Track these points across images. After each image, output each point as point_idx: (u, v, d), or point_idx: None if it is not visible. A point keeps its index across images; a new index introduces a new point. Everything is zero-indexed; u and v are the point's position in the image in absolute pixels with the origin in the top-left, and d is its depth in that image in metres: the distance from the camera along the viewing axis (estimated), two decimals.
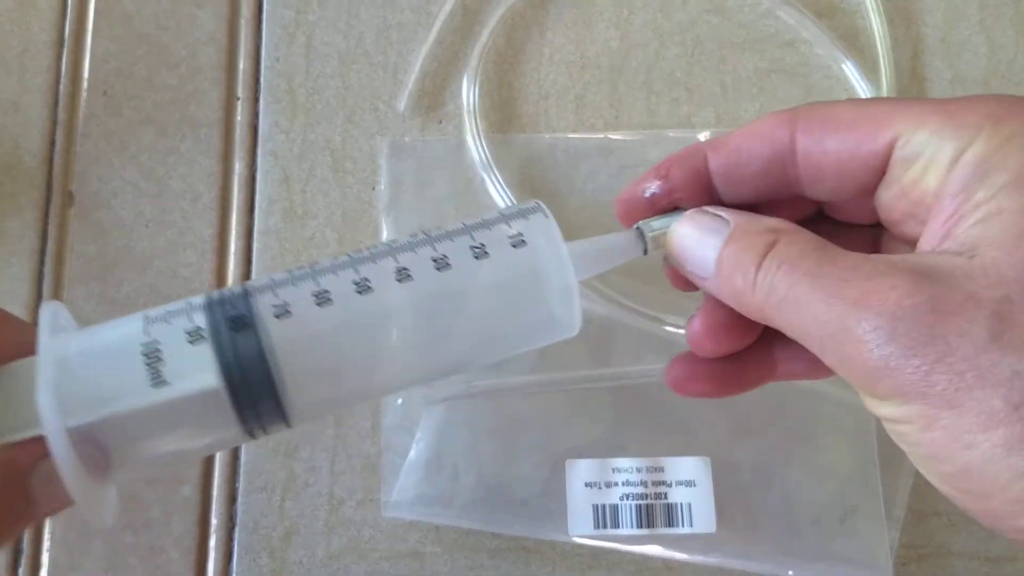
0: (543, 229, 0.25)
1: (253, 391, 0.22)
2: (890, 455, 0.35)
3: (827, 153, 0.23)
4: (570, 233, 0.25)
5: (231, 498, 0.37)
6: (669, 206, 0.26)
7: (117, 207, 0.39)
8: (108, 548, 0.36)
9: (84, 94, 0.40)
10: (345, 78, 0.40)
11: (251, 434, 0.23)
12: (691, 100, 0.40)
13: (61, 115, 0.40)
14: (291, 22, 0.40)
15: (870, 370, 0.19)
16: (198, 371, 0.22)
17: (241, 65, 0.40)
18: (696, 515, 0.34)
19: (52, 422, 0.21)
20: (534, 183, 0.38)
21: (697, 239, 0.24)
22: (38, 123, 0.40)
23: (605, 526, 0.35)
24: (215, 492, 0.37)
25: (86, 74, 0.40)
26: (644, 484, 0.35)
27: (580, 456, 0.35)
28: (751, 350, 0.26)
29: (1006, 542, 0.35)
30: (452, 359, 0.25)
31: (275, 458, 0.37)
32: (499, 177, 0.37)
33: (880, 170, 0.23)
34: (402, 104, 0.39)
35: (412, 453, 0.36)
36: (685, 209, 0.25)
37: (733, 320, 0.25)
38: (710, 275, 0.23)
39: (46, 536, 0.36)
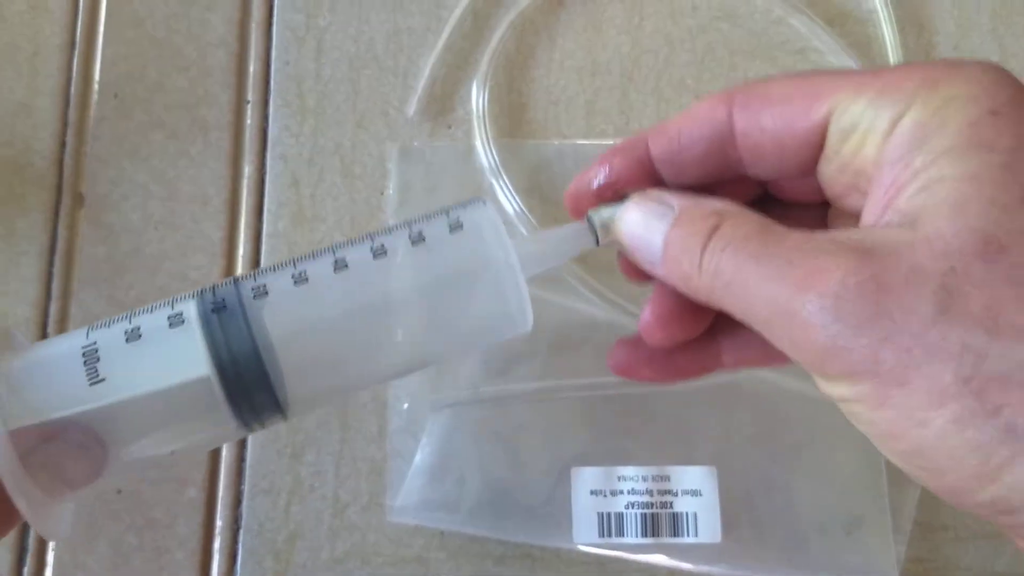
0: (487, 221, 0.25)
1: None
2: (897, 467, 0.35)
3: (764, 130, 0.23)
4: None
5: (236, 500, 0.37)
6: (615, 196, 0.25)
7: (127, 209, 0.39)
8: (112, 549, 0.36)
9: (95, 96, 0.40)
10: (355, 83, 0.40)
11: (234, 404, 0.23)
12: None
13: (72, 117, 0.40)
14: (301, 26, 0.41)
15: (819, 351, 0.19)
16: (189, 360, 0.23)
17: (251, 69, 0.40)
18: (701, 525, 0.34)
19: None
20: (543, 189, 0.38)
21: (644, 225, 0.24)
22: (49, 125, 0.40)
23: (610, 534, 0.35)
24: (220, 494, 0.37)
25: (97, 77, 0.40)
26: (650, 493, 0.35)
27: (586, 464, 0.35)
28: (691, 340, 0.26)
29: (1012, 557, 0.35)
30: (408, 353, 0.25)
31: (280, 461, 0.37)
32: (508, 183, 0.37)
33: (818, 145, 0.22)
34: (412, 109, 0.39)
35: (417, 458, 0.36)
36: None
37: (682, 308, 0.25)
38: (658, 261, 0.23)
39: None
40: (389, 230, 0.25)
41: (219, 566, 0.36)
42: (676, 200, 0.23)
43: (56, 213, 0.39)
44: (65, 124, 0.40)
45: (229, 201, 0.39)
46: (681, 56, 0.40)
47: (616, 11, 0.41)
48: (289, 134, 0.40)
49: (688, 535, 0.34)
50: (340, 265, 0.24)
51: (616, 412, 0.36)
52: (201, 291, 0.24)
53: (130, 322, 0.23)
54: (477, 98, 0.39)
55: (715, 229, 0.22)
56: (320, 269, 0.24)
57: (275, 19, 0.41)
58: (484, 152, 0.38)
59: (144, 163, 0.39)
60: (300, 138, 0.39)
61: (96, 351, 0.23)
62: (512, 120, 0.39)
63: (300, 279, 0.24)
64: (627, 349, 0.27)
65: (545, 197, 0.38)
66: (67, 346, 0.23)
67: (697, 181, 0.25)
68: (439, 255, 0.24)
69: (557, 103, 0.39)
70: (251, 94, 0.40)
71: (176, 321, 0.23)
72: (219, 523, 0.37)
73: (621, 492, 0.35)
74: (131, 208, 0.39)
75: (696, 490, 0.35)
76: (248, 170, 0.39)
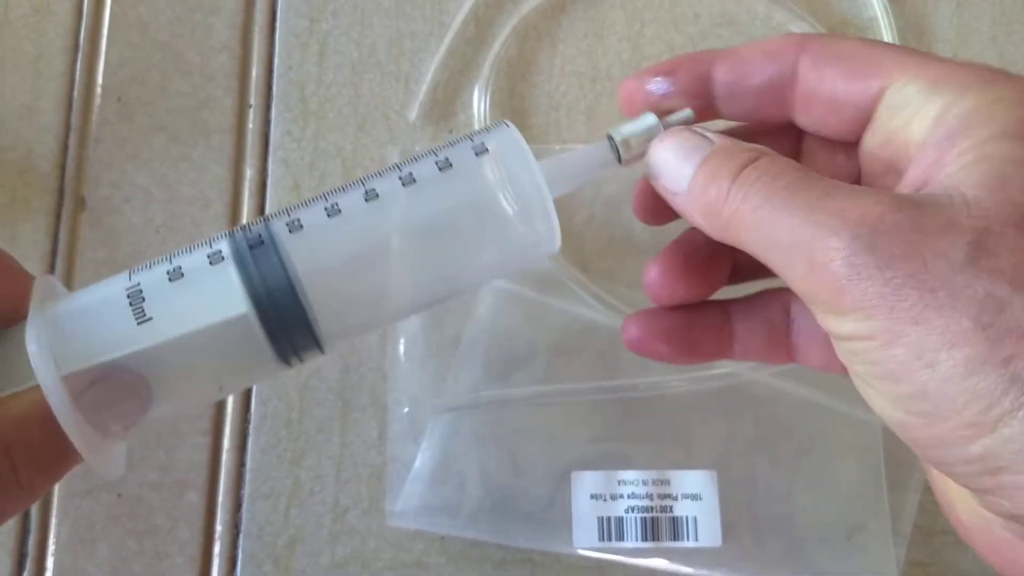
0: (512, 144, 0.24)
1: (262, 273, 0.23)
2: (897, 472, 0.35)
3: (823, 84, 0.23)
4: (579, 245, 0.25)
5: (236, 505, 0.37)
6: (667, 109, 0.25)
7: (128, 212, 0.39)
8: (113, 554, 0.36)
9: (98, 100, 0.40)
10: (357, 87, 0.40)
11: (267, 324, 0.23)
12: None
13: (74, 121, 0.40)
14: (304, 31, 0.41)
15: (839, 280, 0.19)
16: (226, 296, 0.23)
17: (254, 73, 0.41)
18: (702, 529, 0.34)
19: (46, 375, 0.21)
20: None
21: (678, 153, 0.23)
22: (52, 128, 0.40)
23: (610, 539, 0.35)
24: (220, 499, 0.37)
25: (100, 80, 0.40)
26: (650, 497, 0.35)
27: (586, 468, 0.35)
28: (708, 315, 0.26)
29: None
30: (440, 275, 0.25)
31: (280, 465, 0.37)
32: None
33: (868, 113, 0.23)
34: (413, 114, 0.39)
35: (418, 462, 0.36)
36: (658, 116, 0.25)
37: (691, 264, 0.25)
38: (684, 190, 0.23)
39: (51, 541, 0.36)
40: (416, 158, 0.25)
41: (219, 570, 0.36)
42: (716, 137, 0.23)
43: (58, 217, 0.39)
44: (67, 127, 0.40)
45: (231, 205, 0.39)
46: None
47: (617, 17, 0.41)
48: (291, 138, 0.40)
49: (688, 539, 0.34)
50: (371, 196, 0.24)
51: (616, 416, 0.36)
52: (235, 230, 0.24)
53: (171, 263, 0.24)
54: (479, 103, 0.39)
55: (751, 160, 0.22)
56: (351, 201, 0.24)
57: (278, 24, 0.41)
58: None
59: (146, 166, 0.39)
60: (302, 142, 0.40)
61: (141, 292, 0.23)
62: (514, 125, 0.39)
63: (333, 211, 0.24)
64: (642, 321, 0.27)
65: None
66: (112, 290, 0.23)
67: (746, 115, 0.25)
68: (466, 180, 0.24)
69: (558, 108, 0.40)
70: (253, 98, 0.40)
71: (216, 259, 0.23)
72: (219, 528, 0.36)
73: (621, 496, 0.35)
74: (133, 211, 0.39)
75: (696, 494, 0.35)
76: (250, 174, 0.40)
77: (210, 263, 0.23)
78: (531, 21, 0.40)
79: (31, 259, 0.38)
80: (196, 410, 0.36)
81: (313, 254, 0.23)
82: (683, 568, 0.34)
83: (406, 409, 0.36)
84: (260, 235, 0.23)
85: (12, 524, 0.36)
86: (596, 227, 0.38)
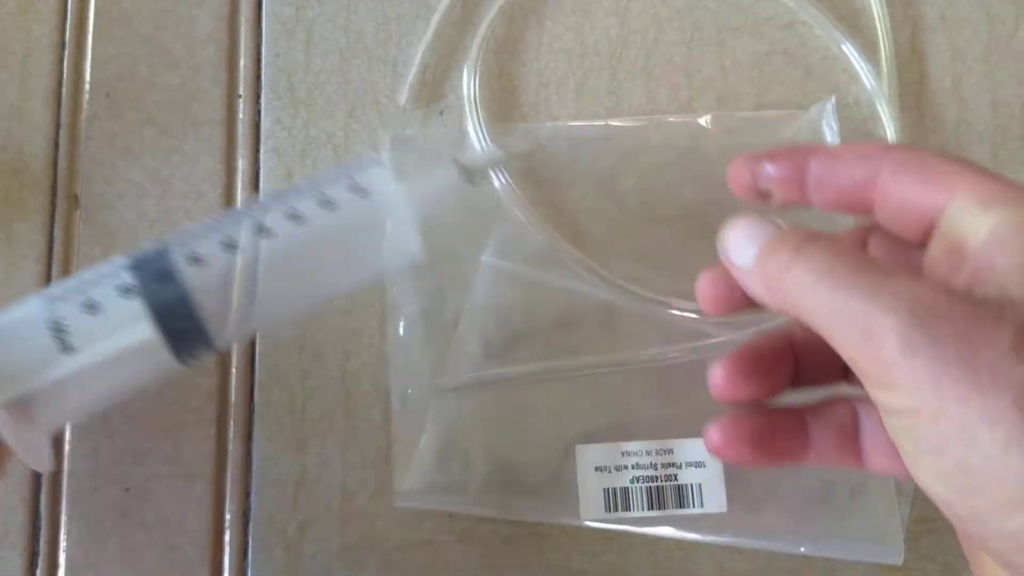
0: (383, 179, 0.29)
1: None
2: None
3: (900, 186, 0.25)
4: (573, 222, 0.25)
5: (244, 493, 0.37)
6: (765, 196, 0.28)
7: (122, 208, 0.39)
8: (124, 547, 0.36)
9: (86, 96, 0.40)
10: (346, 73, 0.40)
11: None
12: (691, 85, 0.40)
13: (64, 118, 0.40)
14: (291, 19, 0.41)
15: (892, 354, 0.21)
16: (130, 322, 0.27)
17: (242, 63, 0.41)
18: (707, 495, 0.35)
19: None
20: (536, 171, 0.38)
21: (748, 231, 0.25)
22: (42, 127, 0.40)
23: (616, 509, 0.35)
24: (228, 488, 0.37)
25: (88, 76, 0.40)
26: (654, 467, 0.35)
27: (590, 441, 0.36)
28: (786, 421, 0.28)
29: None
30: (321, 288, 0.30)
31: (287, 452, 0.37)
32: (502, 166, 0.37)
33: (932, 219, 0.24)
34: (403, 97, 0.39)
35: (423, 442, 0.36)
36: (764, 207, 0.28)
37: (754, 367, 0.27)
38: (750, 264, 0.25)
39: (62, 536, 0.36)
40: (300, 194, 0.29)
41: (230, 559, 0.36)
42: (784, 223, 0.25)
43: (53, 215, 0.39)
44: (58, 125, 0.40)
45: (224, 196, 0.39)
46: (669, 35, 0.40)
47: None
48: (281, 127, 0.40)
49: (694, 506, 0.35)
50: (262, 230, 0.28)
51: (618, 389, 0.36)
52: (138, 260, 0.28)
53: (84, 294, 0.27)
54: (468, 84, 0.39)
55: (814, 239, 0.24)
56: (245, 236, 0.28)
57: (264, 12, 0.41)
58: (476, 136, 0.38)
59: (137, 161, 0.39)
60: (292, 130, 0.40)
61: (62, 323, 0.27)
62: (503, 104, 0.39)
63: (229, 246, 0.28)
64: (726, 428, 0.28)
65: (538, 178, 0.38)
66: (29, 316, 0.27)
67: (833, 205, 0.27)
68: (345, 216, 0.29)
69: (547, 86, 0.40)
70: (242, 88, 0.40)
71: (123, 292, 0.27)
72: (228, 517, 0.37)
73: (626, 467, 0.35)
74: (126, 207, 0.39)
75: (700, 462, 0.35)
76: (242, 164, 0.40)
77: (118, 295, 0.27)
78: (517, 0, 0.40)
79: (28, 259, 0.38)
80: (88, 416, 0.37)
81: (210, 285, 0.28)
82: (690, 534, 0.35)
83: (409, 390, 0.37)
84: (164, 268, 0.27)
85: (23, 523, 0.36)
86: (592, 201, 0.38)
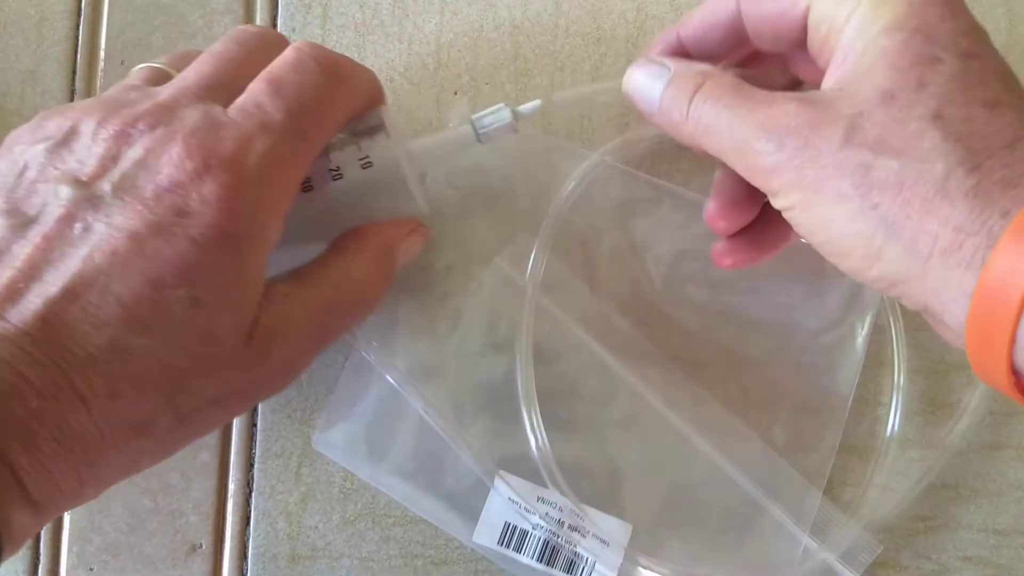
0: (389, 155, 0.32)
1: None
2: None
3: (763, 17, 0.29)
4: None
5: (248, 464, 0.37)
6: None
7: None
8: (128, 512, 0.37)
9: (101, 63, 0.40)
10: (361, 49, 0.40)
11: None
12: None
13: (79, 85, 0.40)
14: None
15: (768, 172, 0.26)
16: None
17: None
18: (597, 574, 0.34)
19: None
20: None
21: (645, 83, 0.30)
22: (56, 93, 0.40)
23: (508, 546, 0.35)
24: (232, 458, 0.37)
25: (103, 44, 0.40)
26: (560, 523, 0.35)
27: (516, 472, 0.35)
28: (766, 219, 0.33)
29: (1014, 516, 0.36)
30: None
31: (291, 425, 0.37)
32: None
33: (803, 30, 0.28)
34: (417, 76, 0.39)
35: (360, 404, 0.36)
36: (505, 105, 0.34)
37: (736, 198, 0.32)
38: (656, 111, 0.30)
39: None
40: (343, 155, 0.32)
41: (232, 527, 0.37)
42: (671, 62, 0.30)
43: None
44: (72, 92, 0.40)
45: None
46: None
47: None
48: None
49: None
50: (306, 187, 0.32)
51: (579, 438, 0.36)
52: None
53: None
54: (483, 65, 0.38)
55: (699, 87, 0.28)
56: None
57: None
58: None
59: None
60: None
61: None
62: (517, 86, 0.39)
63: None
64: (722, 245, 0.34)
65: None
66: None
67: (720, 55, 0.32)
68: (380, 170, 0.32)
69: (563, 69, 0.39)
70: None
71: None
72: (232, 486, 0.37)
73: (534, 512, 0.35)
74: None
75: (605, 540, 0.34)
76: None
77: None
78: None
79: None
80: None
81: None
82: None
83: (374, 343, 0.36)
84: None
85: None
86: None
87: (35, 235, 0.26)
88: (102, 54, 0.40)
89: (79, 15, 0.41)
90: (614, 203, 0.38)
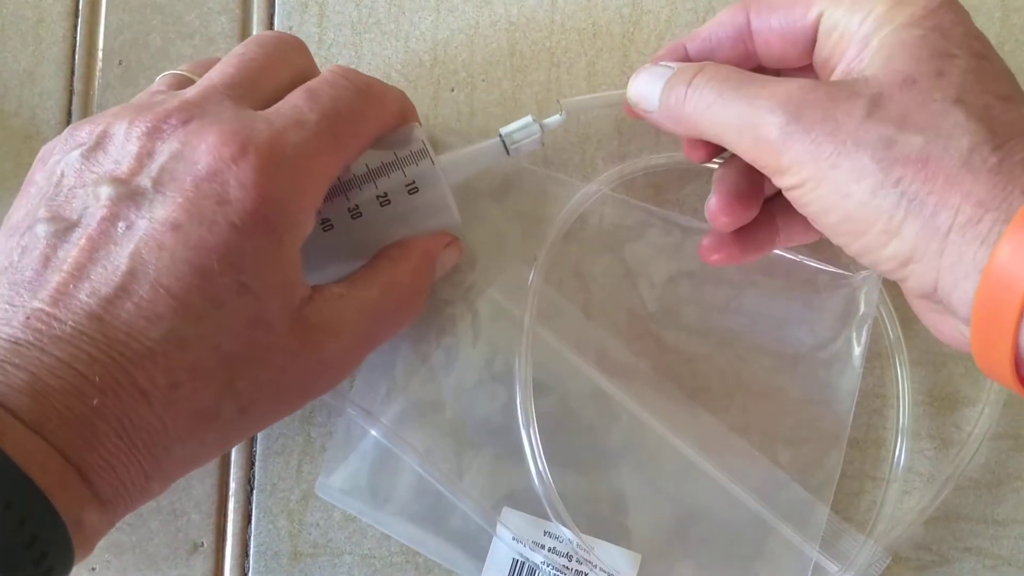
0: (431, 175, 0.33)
1: None
2: None
3: (772, 29, 0.30)
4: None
5: (249, 462, 0.37)
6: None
7: None
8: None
9: (99, 64, 0.40)
10: (357, 47, 0.40)
11: None
12: None
13: (77, 86, 0.40)
14: None
15: (778, 146, 0.26)
16: None
17: (254, 35, 0.40)
18: None
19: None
20: (545, 149, 0.38)
21: (647, 81, 0.31)
22: (54, 94, 0.40)
23: None
24: (233, 456, 0.37)
25: (101, 44, 0.40)
26: (569, 557, 0.34)
27: (519, 507, 0.35)
28: (757, 220, 0.33)
29: (1013, 506, 0.36)
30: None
31: (291, 423, 0.37)
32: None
33: (812, 39, 0.29)
34: (414, 73, 0.39)
35: (363, 444, 0.36)
36: (534, 118, 0.34)
37: (738, 191, 0.32)
38: (655, 107, 0.30)
39: None
40: (388, 181, 0.33)
41: (234, 525, 0.37)
42: (675, 65, 0.31)
43: None
44: (71, 92, 0.40)
45: None
46: (682, 16, 0.40)
47: None
48: None
49: None
50: (355, 213, 0.33)
51: (575, 471, 0.35)
52: None
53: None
54: (479, 61, 0.38)
55: (698, 72, 0.29)
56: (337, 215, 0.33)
57: None
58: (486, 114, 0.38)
59: None
60: None
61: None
62: (514, 83, 0.39)
63: (326, 225, 0.32)
64: (710, 239, 0.34)
65: (548, 157, 0.38)
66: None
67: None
68: (401, 207, 0.33)
69: (559, 65, 0.40)
70: None
71: None
72: (233, 484, 0.37)
73: (543, 547, 0.35)
74: None
75: (615, 572, 0.34)
76: None
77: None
78: None
79: None
80: None
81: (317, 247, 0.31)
82: None
83: (361, 407, 0.36)
84: None
85: None
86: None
87: (79, 237, 0.26)
88: (100, 55, 0.40)
89: (77, 16, 0.41)
90: (606, 230, 0.38)
